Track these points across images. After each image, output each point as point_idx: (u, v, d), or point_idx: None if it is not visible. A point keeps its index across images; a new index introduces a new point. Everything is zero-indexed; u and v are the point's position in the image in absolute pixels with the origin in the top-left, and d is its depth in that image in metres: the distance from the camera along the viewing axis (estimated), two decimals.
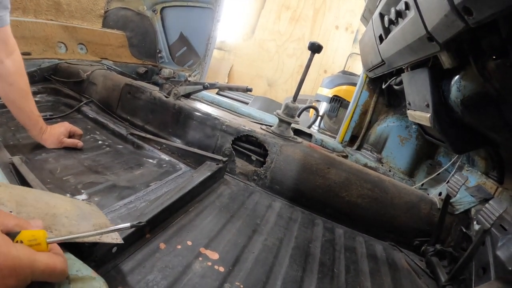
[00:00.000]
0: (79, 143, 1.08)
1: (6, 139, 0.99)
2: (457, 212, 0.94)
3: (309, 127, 2.28)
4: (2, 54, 0.86)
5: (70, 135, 1.07)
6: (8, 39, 0.88)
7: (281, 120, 1.20)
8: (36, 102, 1.34)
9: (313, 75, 4.41)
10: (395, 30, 0.85)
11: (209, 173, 0.99)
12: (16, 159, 0.76)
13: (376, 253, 0.95)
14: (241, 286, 0.65)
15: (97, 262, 0.59)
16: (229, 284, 0.65)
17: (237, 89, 1.30)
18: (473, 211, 0.85)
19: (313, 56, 1.12)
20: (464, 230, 0.86)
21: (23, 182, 0.72)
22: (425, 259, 0.94)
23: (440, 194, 1.08)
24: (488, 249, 0.66)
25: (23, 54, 0.94)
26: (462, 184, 0.82)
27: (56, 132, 1.02)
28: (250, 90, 1.27)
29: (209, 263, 0.69)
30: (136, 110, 1.36)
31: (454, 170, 1.11)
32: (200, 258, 0.70)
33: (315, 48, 1.10)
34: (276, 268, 0.75)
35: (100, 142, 1.18)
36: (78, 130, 1.10)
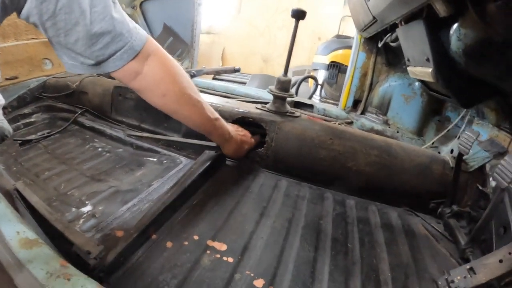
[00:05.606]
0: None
1: (9, 166, 0.99)
2: (471, 170, 0.90)
3: (310, 97, 2.21)
4: (137, 67, 0.70)
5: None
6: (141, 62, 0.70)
7: (275, 97, 1.15)
8: (33, 122, 1.36)
9: (308, 43, 4.23)
10: None
11: (208, 163, 0.97)
12: (19, 184, 0.75)
13: (391, 221, 0.93)
14: (252, 274, 0.65)
15: (106, 272, 0.59)
16: (239, 274, 0.65)
17: (224, 71, 1.25)
18: (488, 166, 0.80)
19: (297, 24, 1.04)
20: (481, 188, 0.82)
21: (28, 205, 0.72)
22: (443, 222, 0.91)
23: (452, 151, 1.03)
24: (507, 207, 0.62)
25: (10, 78, 0.85)
26: (474, 140, 0.76)
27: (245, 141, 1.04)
28: (237, 70, 1.20)
29: (218, 255, 0.69)
30: (130, 110, 1.34)
31: (464, 125, 1.05)
32: (208, 252, 0.69)
33: (298, 15, 1.01)
34: (286, 251, 0.74)
35: (100, 149, 1.18)
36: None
